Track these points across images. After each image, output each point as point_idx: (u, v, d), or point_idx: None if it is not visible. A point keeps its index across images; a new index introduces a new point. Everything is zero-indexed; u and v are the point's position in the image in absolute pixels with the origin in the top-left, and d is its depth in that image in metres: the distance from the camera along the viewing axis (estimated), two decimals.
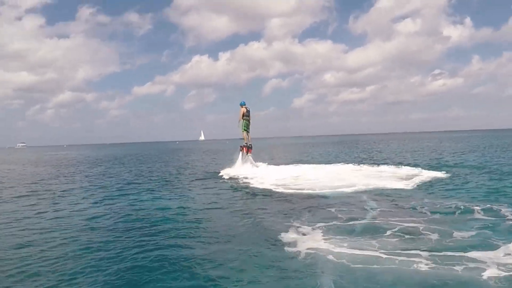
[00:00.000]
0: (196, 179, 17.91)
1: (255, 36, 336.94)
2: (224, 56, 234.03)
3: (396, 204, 9.85)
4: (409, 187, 12.60)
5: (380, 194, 11.57)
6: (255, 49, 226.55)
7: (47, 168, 31.99)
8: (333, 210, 9.42)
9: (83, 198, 13.35)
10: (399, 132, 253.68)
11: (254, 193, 12.92)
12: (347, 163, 22.20)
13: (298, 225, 7.97)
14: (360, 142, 78.80)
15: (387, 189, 12.27)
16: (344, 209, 9.48)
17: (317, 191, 12.27)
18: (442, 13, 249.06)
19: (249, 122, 20.00)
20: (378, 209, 9.31)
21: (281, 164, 23.11)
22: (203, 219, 9.10)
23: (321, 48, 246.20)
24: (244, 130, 19.85)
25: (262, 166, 20.69)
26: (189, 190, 14.48)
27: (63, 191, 15.40)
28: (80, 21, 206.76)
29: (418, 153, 32.23)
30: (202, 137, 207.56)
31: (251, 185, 14.73)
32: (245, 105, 20.00)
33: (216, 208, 10.59)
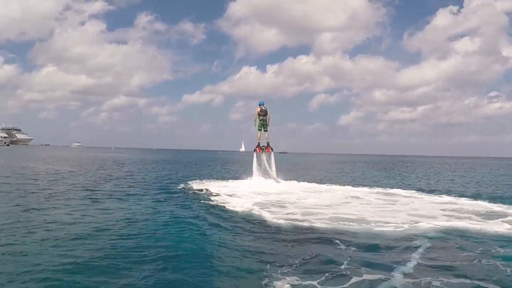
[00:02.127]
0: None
1: (304, 49, 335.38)
2: (272, 69, 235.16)
3: None
4: None
5: (476, 241, 8.20)
6: (304, 63, 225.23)
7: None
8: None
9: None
10: (449, 156, 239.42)
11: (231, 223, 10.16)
12: (401, 188, 19.06)
13: None
14: (410, 164, 73.13)
15: (485, 234, 8.79)
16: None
17: (359, 229, 9.31)
18: (502, 32, 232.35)
19: (266, 121, 19.94)
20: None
21: (314, 181, 20.99)
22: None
23: (372, 64, 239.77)
24: (259, 129, 19.95)
25: (285, 182, 19.56)
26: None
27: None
28: (138, 28, 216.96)
29: (483, 183, 27.81)
30: (242, 149, 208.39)
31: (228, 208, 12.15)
32: (263, 105, 19.98)
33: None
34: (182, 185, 18.59)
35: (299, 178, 22.28)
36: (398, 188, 19.52)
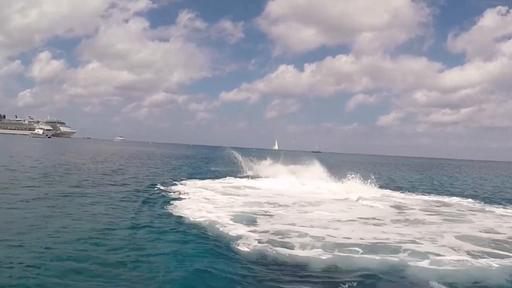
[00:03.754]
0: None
1: (344, 49, 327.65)
2: (309, 68, 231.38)
3: None
4: None
5: None
6: (343, 62, 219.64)
7: None
8: None
9: None
10: (491, 160, 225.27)
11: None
12: (458, 196, 16.48)
13: None
14: (453, 167, 68.12)
15: None
16: None
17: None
18: None
19: None
20: None
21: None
22: None
23: (414, 65, 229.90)
24: None
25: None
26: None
27: None
28: (179, 26, 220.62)
29: None
30: (276, 147, 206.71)
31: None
32: None
33: None
34: (158, 186, 16.67)
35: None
36: (452, 195, 17.00)
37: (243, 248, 7.19)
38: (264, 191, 15.64)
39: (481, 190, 22.73)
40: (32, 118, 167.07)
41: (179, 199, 12.80)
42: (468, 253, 7.41)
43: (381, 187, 18.27)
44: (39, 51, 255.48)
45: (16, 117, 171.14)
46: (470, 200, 15.83)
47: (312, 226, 9.27)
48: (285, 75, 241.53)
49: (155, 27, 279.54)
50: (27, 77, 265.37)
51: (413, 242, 8.04)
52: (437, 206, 13.72)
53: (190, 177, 21.41)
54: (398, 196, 16.23)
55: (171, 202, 12.13)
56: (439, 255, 7.10)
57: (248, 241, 7.56)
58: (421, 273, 6.16)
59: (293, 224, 9.35)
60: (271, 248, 7.17)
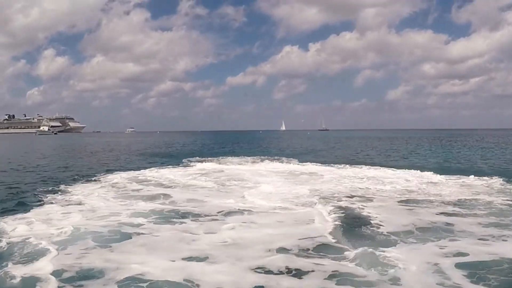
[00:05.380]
0: None
1: (347, 26, 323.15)
2: (314, 47, 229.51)
3: None
4: None
5: None
6: (347, 39, 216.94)
7: None
8: None
9: None
10: (505, 128, 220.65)
11: None
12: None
13: None
14: (468, 138, 66.91)
15: None
16: None
17: None
18: None
19: None
20: None
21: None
22: None
23: (420, 38, 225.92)
24: None
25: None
26: None
27: None
28: (180, 14, 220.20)
29: None
30: (283, 127, 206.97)
31: None
32: None
33: None
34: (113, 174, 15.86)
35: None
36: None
37: None
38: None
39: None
40: (41, 116, 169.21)
41: None
42: None
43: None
44: (43, 49, 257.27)
45: (25, 116, 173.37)
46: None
47: None
48: (290, 56, 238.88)
49: (157, 17, 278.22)
50: (33, 75, 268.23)
51: None
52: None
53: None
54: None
55: None
56: None
57: None
58: None
59: None
60: None
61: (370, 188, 11.99)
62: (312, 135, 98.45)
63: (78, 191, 11.77)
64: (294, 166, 19.08)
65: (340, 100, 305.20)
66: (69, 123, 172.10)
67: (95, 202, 9.92)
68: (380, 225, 7.38)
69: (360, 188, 12.03)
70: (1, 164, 21.66)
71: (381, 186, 12.28)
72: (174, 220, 8.01)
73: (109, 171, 17.39)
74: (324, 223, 7.58)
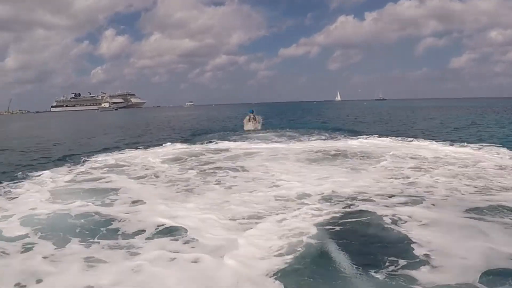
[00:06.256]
0: None
1: None
2: (370, 16, 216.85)
3: None
4: None
5: None
6: (406, 7, 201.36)
7: None
8: None
9: None
10: None
11: None
12: None
13: None
14: None
15: None
16: None
17: None
18: None
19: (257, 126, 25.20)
20: None
21: None
22: None
23: (486, 4, 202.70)
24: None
25: None
26: None
27: None
28: None
29: None
30: (338, 97, 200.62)
31: None
32: (252, 112, 25.96)
33: None
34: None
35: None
36: None
37: None
38: None
39: None
40: (104, 93, 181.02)
41: None
42: None
43: None
44: (104, 29, 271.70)
45: (90, 94, 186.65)
46: None
47: None
48: (345, 26, 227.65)
49: None
50: (96, 55, 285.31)
51: None
52: None
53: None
54: None
55: None
56: None
57: None
58: None
59: None
60: None
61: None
62: (369, 105, 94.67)
63: None
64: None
65: (398, 70, 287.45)
66: (131, 99, 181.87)
67: None
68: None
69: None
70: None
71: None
72: None
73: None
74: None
